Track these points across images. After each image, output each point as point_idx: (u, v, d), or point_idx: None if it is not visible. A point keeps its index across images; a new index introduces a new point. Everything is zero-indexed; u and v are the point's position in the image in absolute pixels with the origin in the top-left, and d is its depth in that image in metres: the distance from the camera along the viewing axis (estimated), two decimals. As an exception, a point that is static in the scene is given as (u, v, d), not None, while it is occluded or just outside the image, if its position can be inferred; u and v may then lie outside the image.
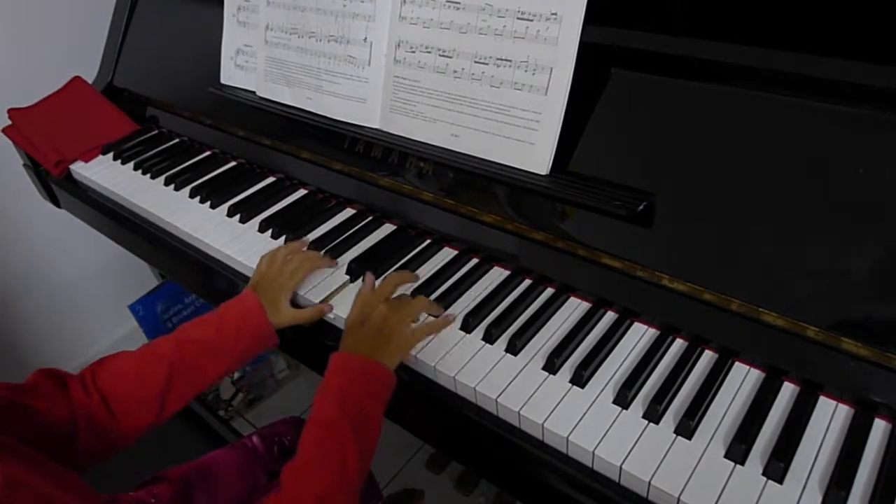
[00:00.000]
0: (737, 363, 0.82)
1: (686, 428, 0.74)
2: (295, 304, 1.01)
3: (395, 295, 0.96)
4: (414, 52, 1.04)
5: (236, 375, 2.05)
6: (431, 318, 0.93)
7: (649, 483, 0.70)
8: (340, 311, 0.98)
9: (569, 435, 0.76)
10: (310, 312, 0.99)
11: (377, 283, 0.98)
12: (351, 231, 1.13)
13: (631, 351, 0.85)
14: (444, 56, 1.00)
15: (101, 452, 0.87)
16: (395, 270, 1.03)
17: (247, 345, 0.96)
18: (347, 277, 1.04)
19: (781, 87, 0.78)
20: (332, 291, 1.02)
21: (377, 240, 1.11)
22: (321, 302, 1.00)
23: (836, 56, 0.73)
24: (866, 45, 0.73)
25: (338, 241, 1.11)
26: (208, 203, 1.28)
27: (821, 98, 0.76)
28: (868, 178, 0.73)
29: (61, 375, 0.86)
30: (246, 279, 1.09)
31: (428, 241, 1.08)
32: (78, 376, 0.87)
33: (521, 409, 0.79)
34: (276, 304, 0.97)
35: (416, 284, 1.00)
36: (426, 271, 1.02)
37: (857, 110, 0.74)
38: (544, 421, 0.77)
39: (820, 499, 0.67)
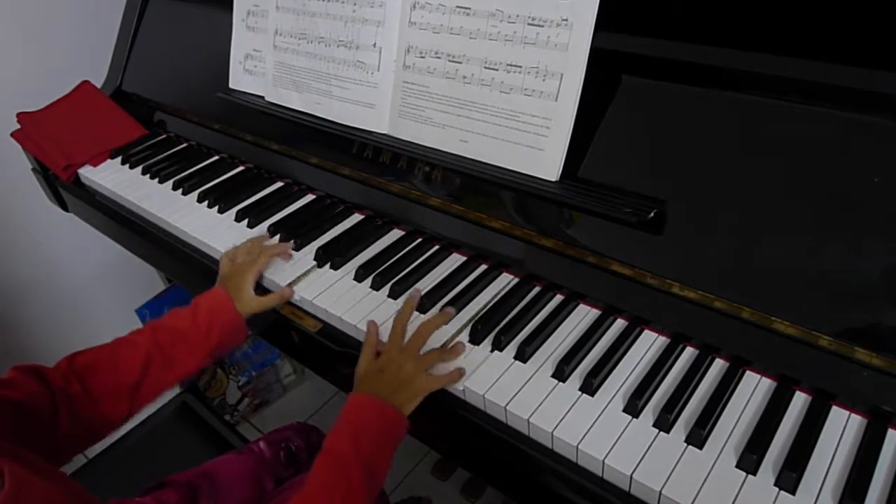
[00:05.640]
0: (748, 372, 0.81)
1: (697, 437, 0.73)
2: (266, 292, 1.06)
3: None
4: (423, 57, 1.04)
5: (242, 380, 2.05)
6: (443, 365, 0.89)
7: (660, 493, 0.70)
8: (306, 293, 1.03)
9: (579, 444, 0.75)
10: (273, 298, 1.04)
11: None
12: (359, 237, 1.13)
13: (641, 359, 0.85)
14: (453, 61, 1.00)
15: (83, 439, 0.89)
16: (403, 277, 1.02)
17: (219, 334, 0.99)
18: (314, 263, 1.09)
19: (795, 95, 0.78)
20: (299, 276, 1.06)
21: (385, 245, 1.10)
22: (286, 286, 1.05)
23: (853, 64, 0.73)
24: (880, 53, 0.73)
25: (346, 246, 1.10)
26: (216, 208, 1.28)
27: (836, 106, 0.76)
28: (883, 186, 0.73)
29: (36, 368, 0.87)
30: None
31: (436, 246, 1.08)
32: (54, 367, 0.89)
33: (530, 417, 0.79)
34: (240, 293, 1.02)
35: (423, 288, 0.99)
36: (435, 277, 1.02)
37: (872, 118, 0.74)
38: (554, 429, 0.77)
39: (833, 510, 0.66)
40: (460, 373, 0.86)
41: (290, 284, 1.05)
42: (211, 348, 0.98)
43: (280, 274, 1.08)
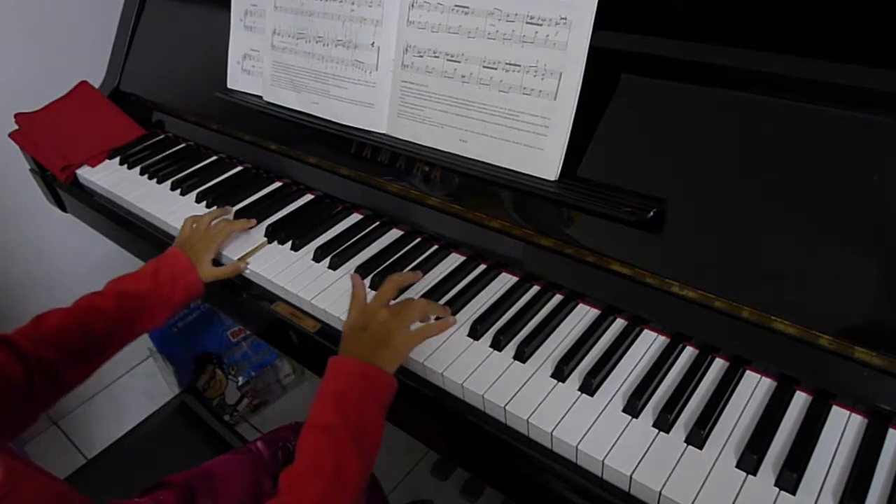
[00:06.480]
0: (748, 371, 0.81)
1: (697, 437, 0.73)
2: (218, 263, 1.13)
3: (397, 298, 0.96)
4: (422, 56, 1.03)
5: (241, 381, 2.04)
6: (432, 321, 0.92)
7: (660, 493, 0.69)
8: (256, 266, 1.10)
9: (578, 444, 0.75)
10: (228, 269, 1.11)
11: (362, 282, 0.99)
12: (358, 236, 1.12)
13: (641, 359, 0.84)
14: (452, 61, 1.00)
15: (53, 397, 0.94)
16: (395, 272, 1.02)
17: (181, 298, 1.07)
18: (265, 239, 1.15)
19: (796, 94, 0.77)
20: (250, 250, 1.13)
21: (384, 245, 1.10)
22: (239, 260, 1.12)
23: (854, 62, 0.73)
24: (881, 51, 0.73)
25: (344, 246, 1.10)
26: (214, 208, 1.27)
27: (834, 104, 0.75)
28: (883, 184, 0.73)
29: (2, 337, 0.89)
30: (254, 285, 1.10)
31: (435, 246, 1.08)
32: (18, 332, 0.92)
33: (529, 417, 0.78)
34: (199, 263, 1.09)
35: (422, 288, 0.99)
36: (434, 277, 1.02)
37: (872, 117, 0.73)
38: (553, 429, 0.77)
39: (834, 510, 0.66)
40: (448, 323, 0.88)
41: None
42: (172, 310, 1.06)
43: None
